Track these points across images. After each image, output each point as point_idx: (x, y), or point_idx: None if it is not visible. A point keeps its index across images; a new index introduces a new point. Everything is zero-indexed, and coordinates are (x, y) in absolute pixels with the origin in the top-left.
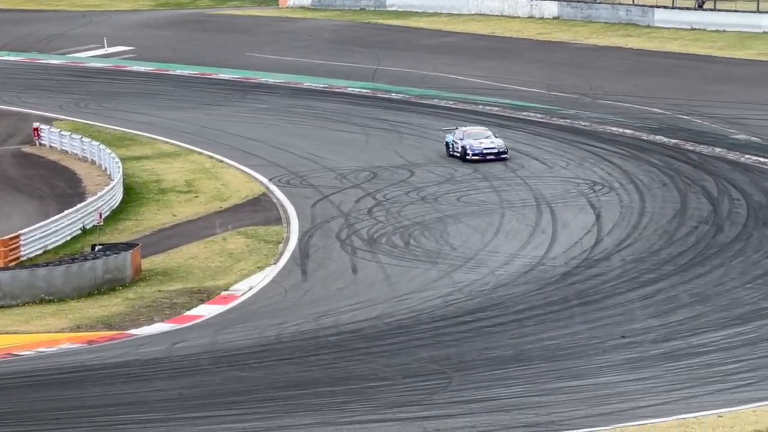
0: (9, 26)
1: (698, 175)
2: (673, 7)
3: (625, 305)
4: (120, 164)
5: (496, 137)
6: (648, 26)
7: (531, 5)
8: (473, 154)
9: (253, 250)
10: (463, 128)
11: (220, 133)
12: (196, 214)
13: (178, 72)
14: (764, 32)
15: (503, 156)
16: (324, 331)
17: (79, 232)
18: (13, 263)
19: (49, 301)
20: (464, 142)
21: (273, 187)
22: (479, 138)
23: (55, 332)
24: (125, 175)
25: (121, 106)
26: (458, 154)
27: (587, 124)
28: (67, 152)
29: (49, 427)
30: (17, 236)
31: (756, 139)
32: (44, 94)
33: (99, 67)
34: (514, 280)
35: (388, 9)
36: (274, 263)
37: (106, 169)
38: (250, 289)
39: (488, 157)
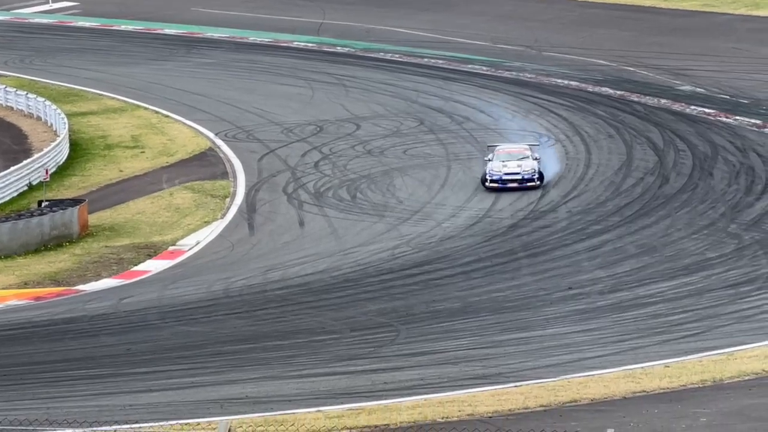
0: None
1: (644, 126)
2: None
3: (571, 257)
4: (66, 120)
5: (534, 158)
6: None
7: None
8: (491, 181)
9: (200, 205)
10: (503, 146)
11: (165, 88)
12: (142, 170)
13: (123, 27)
14: None
15: (528, 184)
16: (271, 285)
17: (26, 188)
18: None
19: None
20: (489, 165)
21: (219, 142)
22: (507, 160)
23: (2, 289)
24: (71, 131)
25: (66, 62)
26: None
27: (532, 76)
28: (12, 108)
29: None
30: None
31: (701, 89)
32: None
33: (44, 23)
34: (461, 233)
35: None
36: (221, 218)
37: (51, 125)
38: (197, 243)
39: (509, 185)
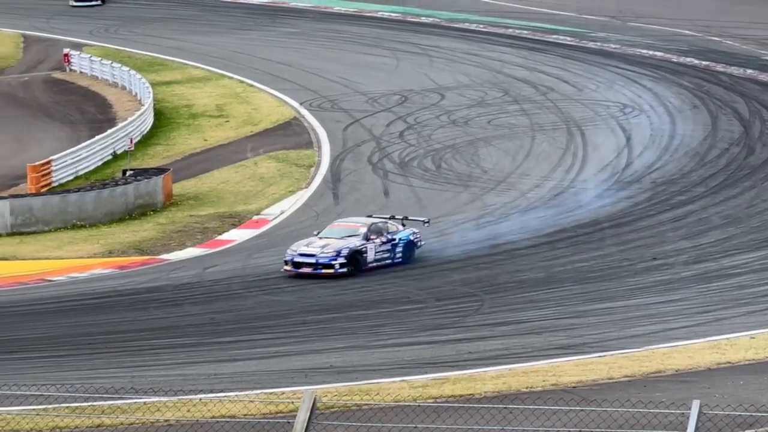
0: None
1: (729, 96)
2: None
3: (656, 227)
4: (150, 89)
5: (368, 238)
6: None
7: None
8: (284, 262)
9: (285, 175)
10: (343, 220)
11: (250, 57)
12: (227, 139)
13: None
14: None
15: (323, 271)
16: None
17: (110, 157)
18: (45, 189)
19: (81, 227)
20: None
21: (304, 112)
22: (327, 236)
23: (88, 257)
24: (155, 101)
25: (150, 31)
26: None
27: (617, 46)
28: (97, 78)
29: (83, 352)
30: (48, 162)
31: None
32: (73, 20)
33: None
34: (546, 203)
35: None
36: (306, 187)
37: (136, 94)
38: (281, 213)
39: (302, 269)
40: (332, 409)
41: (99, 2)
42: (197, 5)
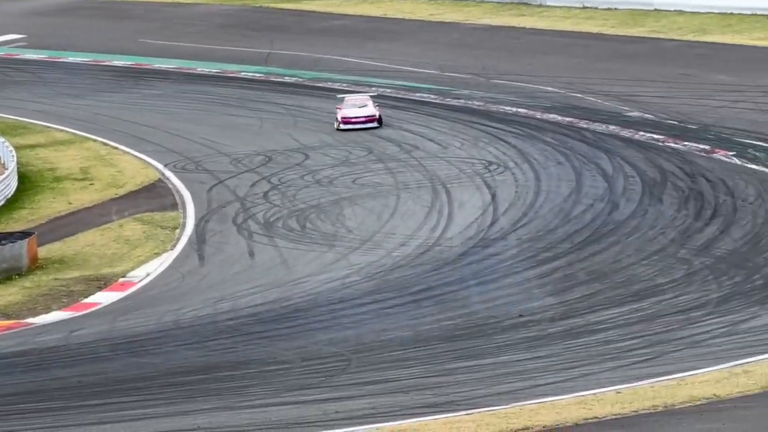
0: None
1: (593, 152)
2: None
3: (522, 284)
4: (14, 152)
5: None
6: (540, 5)
7: None
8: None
9: (150, 237)
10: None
11: (114, 119)
12: (91, 202)
13: (71, 59)
14: (655, 9)
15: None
16: (222, 316)
17: None
18: None
19: None
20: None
21: (168, 173)
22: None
23: None
24: (19, 164)
25: (13, 94)
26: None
27: (481, 103)
28: None
29: None
30: None
31: (649, 115)
32: None
33: None
34: (411, 261)
35: None
36: (171, 249)
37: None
38: (147, 275)
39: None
40: None
41: None
42: (60, 68)
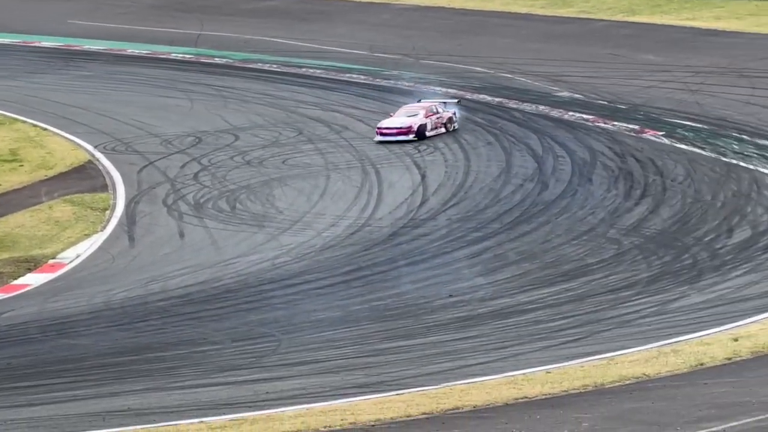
0: None
1: (522, 132)
2: None
3: (452, 264)
4: None
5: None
6: None
7: None
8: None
9: (80, 218)
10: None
11: (43, 101)
12: (21, 183)
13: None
14: None
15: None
16: (152, 297)
17: None
18: None
19: None
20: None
21: (98, 155)
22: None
23: None
24: None
25: None
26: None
27: (411, 84)
28: None
29: None
30: None
31: (579, 95)
32: None
33: None
34: (341, 242)
35: None
36: (101, 230)
37: None
38: (77, 256)
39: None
40: None
41: None
42: None
